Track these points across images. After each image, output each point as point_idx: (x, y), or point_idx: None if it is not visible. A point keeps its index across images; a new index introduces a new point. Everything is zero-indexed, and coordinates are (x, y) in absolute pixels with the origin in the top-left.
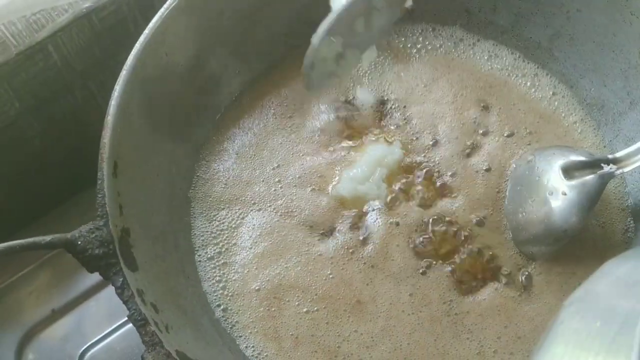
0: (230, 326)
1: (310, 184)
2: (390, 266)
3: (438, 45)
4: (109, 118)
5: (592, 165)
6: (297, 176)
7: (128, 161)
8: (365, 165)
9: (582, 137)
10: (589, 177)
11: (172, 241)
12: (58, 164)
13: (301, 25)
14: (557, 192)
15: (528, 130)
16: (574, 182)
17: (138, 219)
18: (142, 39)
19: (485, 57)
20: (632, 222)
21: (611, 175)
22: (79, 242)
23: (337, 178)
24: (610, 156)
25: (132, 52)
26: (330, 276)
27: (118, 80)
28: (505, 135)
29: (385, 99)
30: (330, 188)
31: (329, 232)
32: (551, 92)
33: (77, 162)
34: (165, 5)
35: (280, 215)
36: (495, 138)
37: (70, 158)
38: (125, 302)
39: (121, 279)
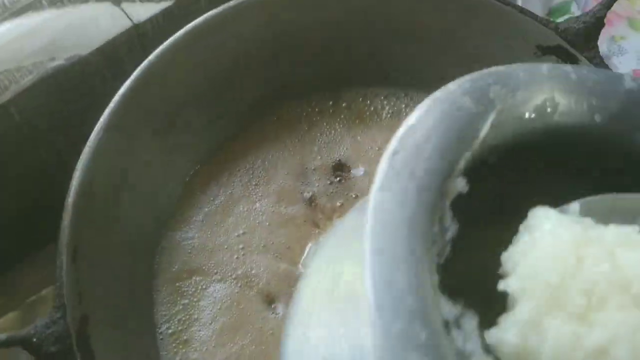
0: None
1: (274, 252)
2: None
3: (404, 110)
4: (70, 200)
5: None
6: (262, 244)
7: (89, 243)
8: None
9: None
10: None
11: (134, 320)
12: (16, 220)
13: (275, 92)
14: None
15: None
16: None
17: (99, 303)
18: (107, 112)
19: None
20: None
21: None
22: (34, 339)
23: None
24: None
25: (95, 128)
26: None
27: (81, 158)
28: None
29: (340, 161)
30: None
31: (282, 301)
32: None
33: (40, 218)
34: (134, 75)
35: (240, 286)
36: None
37: (33, 214)
38: None
39: None
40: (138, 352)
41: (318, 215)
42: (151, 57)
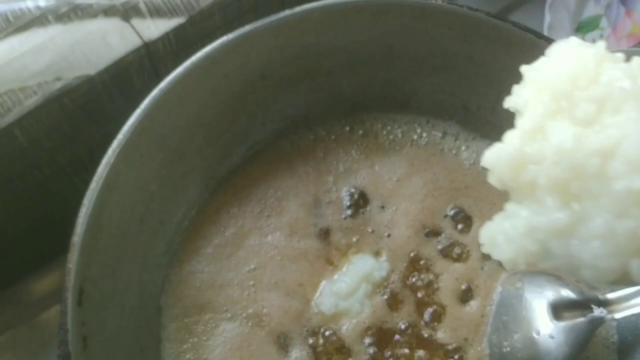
0: None
1: (286, 290)
2: None
3: (425, 139)
4: (76, 239)
5: (583, 305)
6: (274, 281)
7: (95, 282)
8: (349, 279)
9: None
10: (578, 321)
11: (138, 357)
12: (24, 235)
13: (289, 118)
14: (545, 334)
15: None
16: (562, 324)
17: (104, 346)
18: (115, 144)
19: (474, 155)
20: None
21: (601, 321)
22: None
23: (319, 290)
24: (601, 297)
25: (102, 162)
26: None
27: (87, 194)
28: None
29: (356, 190)
30: (312, 302)
31: (294, 342)
32: None
33: (46, 232)
34: (142, 105)
35: (251, 325)
36: (471, 250)
37: (37, 229)
38: None
39: None
40: None
41: (332, 251)
42: (162, 85)
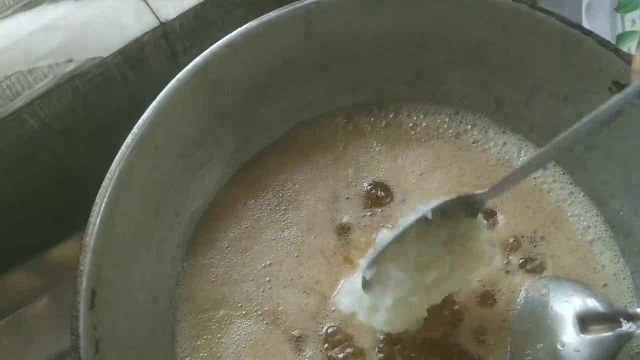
0: None
1: (302, 287)
2: None
3: (452, 131)
4: (88, 239)
5: (611, 319)
6: (290, 278)
7: (108, 282)
8: None
9: (601, 260)
10: (606, 335)
11: (152, 354)
12: (37, 214)
13: (311, 107)
14: (570, 347)
15: (540, 235)
16: (588, 338)
17: (117, 347)
18: (129, 139)
19: (503, 149)
20: None
21: (630, 336)
22: None
23: (337, 289)
24: (631, 310)
25: (116, 158)
26: None
27: (100, 192)
28: (510, 241)
29: (376, 183)
30: (330, 300)
31: (310, 341)
32: (574, 203)
33: (58, 211)
34: (158, 98)
35: (267, 323)
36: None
37: (53, 207)
38: None
39: None
40: None
41: (351, 250)
42: (179, 75)
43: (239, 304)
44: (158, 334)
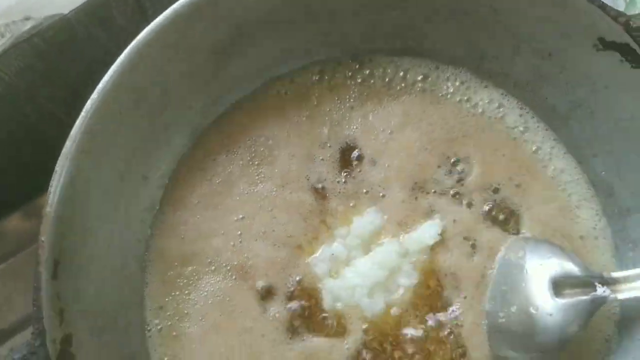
0: None
1: (274, 241)
2: None
3: (428, 84)
4: (49, 209)
5: (586, 283)
6: (262, 231)
7: (73, 252)
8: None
9: (581, 220)
10: (580, 299)
11: (123, 319)
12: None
13: (283, 62)
14: (543, 311)
15: (515, 182)
16: (562, 302)
17: (84, 314)
18: (89, 105)
19: (483, 102)
20: (615, 331)
21: (604, 300)
22: None
23: (315, 249)
24: (606, 275)
25: (76, 124)
26: None
27: (59, 161)
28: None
29: (349, 145)
30: (308, 262)
31: (277, 296)
32: (557, 162)
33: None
34: (118, 61)
35: (235, 278)
36: (474, 201)
37: (22, 167)
38: None
39: None
40: (126, 357)
41: (327, 217)
42: (140, 37)
43: (209, 260)
44: (128, 297)
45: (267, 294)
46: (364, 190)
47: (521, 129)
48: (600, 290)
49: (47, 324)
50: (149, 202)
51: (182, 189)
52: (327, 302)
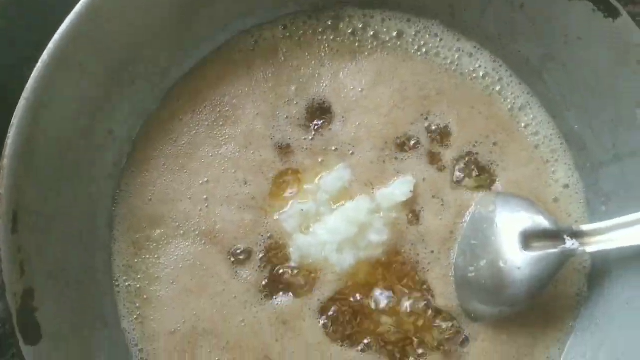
0: None
1: (239, 204)
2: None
3: (401, 39)
4: (6, 162)
5: (555, 236)
6: (227, 195)
7: (34, 204)
8: (316, 202)
9: (554, 175)
10: (548, 253)
11: (89, 280)
12: None
13: (249, 16)
14: (512, 264)
15: (492, 141)
16: (531, 255)
17: (47, 267)
18: (45, 55)
19: (455, 56)
20: (585, 286)
21: (573, 253)
22: None
23: (284, 206)
24: (575, 227)
25: (32, 75)
26: (242, 324)
27: (15, 112)
28: (463, 149)
29: (318, 102)
30: (276, 218)
31: (247, 258)
32: (529, 113)
33: None
34: (75, 10)
35: (204, 243)
36: (444, 161)
37: None
38: None
39: None
40: (94, 314)
41: (295, 175)
42: None
43: (177, 224)
44: (95, 254)
45: (237, 257)
46: (333, 148)
47: (497, 85)
48: (570, 243)
49: (7, 277)
50: (116, 158)
51: (149, 149)
52: (296, 258)
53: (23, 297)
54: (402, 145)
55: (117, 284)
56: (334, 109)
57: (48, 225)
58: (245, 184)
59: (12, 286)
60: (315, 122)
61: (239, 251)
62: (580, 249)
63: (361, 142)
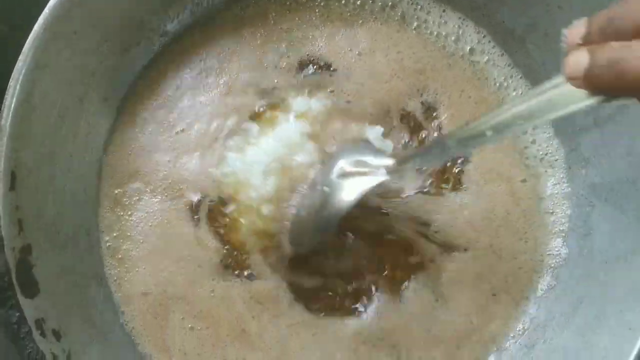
0: (130, 331)
1: (203, 149)
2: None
3: (388, 12)
4: (4, 122)
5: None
6: (196, 142)
7: (30, 167)
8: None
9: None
10: (356, 178)
11: (83, 242)
12: None
13: None
14: (325, 189)
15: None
16: (340, 181)
17: (44, 226)
18: (41, 20)
19: (445, 30)
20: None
21: (377, 180)
22: None
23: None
24: (386, 160)
25: (29, 39)
26: (212, 294)
27: (13, 74)
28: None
29: (312, 58)
30: (215, 168)
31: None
32: (512, 85)
33: None
34: None
35: (171, 198)
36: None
37: None
38: (21, 340)
39: (17, 314)
40: (86, 273)
41: (275, 110)
42: None
43: (147, 179)
44: (87, 216)
45: (199, 208)
46: (329, 90)
47: (483, 58)
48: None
49: (6, 232)
50: (110, 125)
51: (135, 107)
52: (222, 172)
53: (21, 252)
54: (400, 117)
55: (99, 244)
56: (334, 66)
57: (44, 188)
58: (217, 127)
59: (10, 242)
60: (308, 69)
61: (199, 201)
62: (382, 178)
63: (361, 98)
